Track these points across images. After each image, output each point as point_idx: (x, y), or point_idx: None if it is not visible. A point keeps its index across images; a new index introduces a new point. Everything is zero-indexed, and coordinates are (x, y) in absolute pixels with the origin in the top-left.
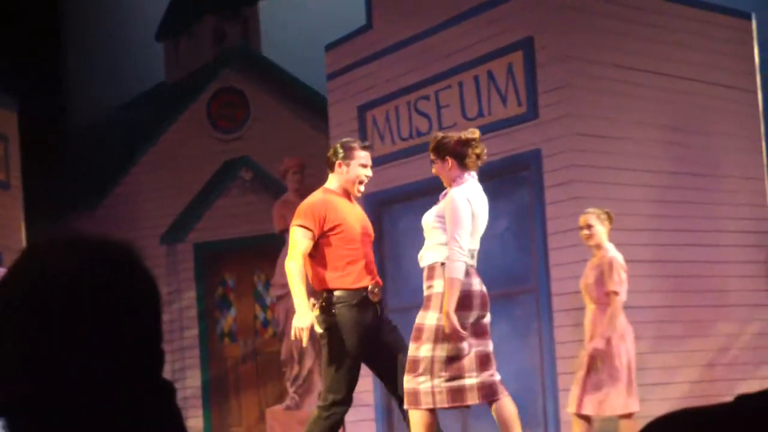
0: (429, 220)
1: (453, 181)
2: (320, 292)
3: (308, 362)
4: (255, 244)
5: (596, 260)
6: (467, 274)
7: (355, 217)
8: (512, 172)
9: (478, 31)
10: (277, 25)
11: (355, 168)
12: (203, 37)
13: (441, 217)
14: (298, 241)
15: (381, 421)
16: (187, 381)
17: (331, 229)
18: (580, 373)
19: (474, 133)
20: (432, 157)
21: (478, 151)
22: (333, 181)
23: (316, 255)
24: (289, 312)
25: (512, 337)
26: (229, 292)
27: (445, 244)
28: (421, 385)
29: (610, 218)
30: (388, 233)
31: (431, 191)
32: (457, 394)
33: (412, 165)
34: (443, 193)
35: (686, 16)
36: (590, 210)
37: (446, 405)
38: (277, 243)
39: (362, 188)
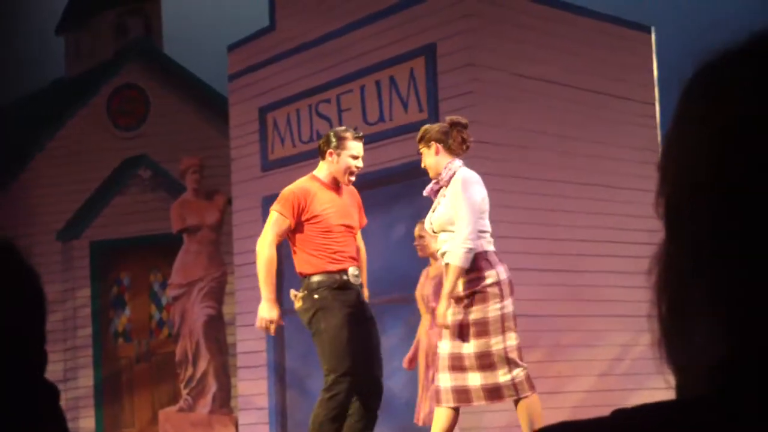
0: (443, 214)
1: (444, 168)
2: (302, 278)
3: (202, 364)
4: (152, 244)
5: (434, 270)
6: (496, 261)
7: (338, 207)
8: (412, 177)
9: (381, 36)
10: (180, 22)
11: (345, 158)
12: (104, 32)
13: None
14: (272, 227)
15: (274, 425)
16: (80, 381)
17: (308, 219)
18: (420, 384)
19: (460, 118)
20: (420, 147)
21: (464, 135)
22: (323, 169)
23: (294, 241)
24: (185, 313)
25: (409, 341)
26: (124, 291)
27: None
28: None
29: None
30: None
31: None
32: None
33: (312, 168)
34: (428, 188)
35: (588, 27)
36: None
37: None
38: (175, 243)
39: (353, 178)
